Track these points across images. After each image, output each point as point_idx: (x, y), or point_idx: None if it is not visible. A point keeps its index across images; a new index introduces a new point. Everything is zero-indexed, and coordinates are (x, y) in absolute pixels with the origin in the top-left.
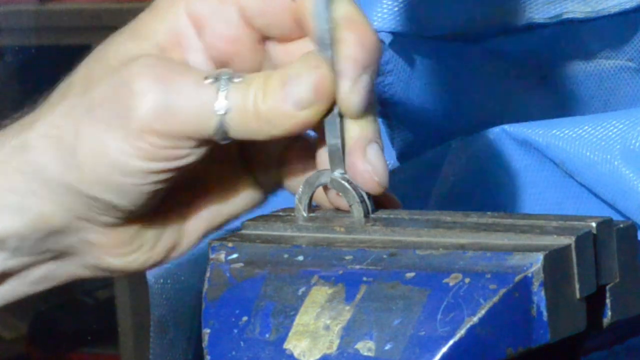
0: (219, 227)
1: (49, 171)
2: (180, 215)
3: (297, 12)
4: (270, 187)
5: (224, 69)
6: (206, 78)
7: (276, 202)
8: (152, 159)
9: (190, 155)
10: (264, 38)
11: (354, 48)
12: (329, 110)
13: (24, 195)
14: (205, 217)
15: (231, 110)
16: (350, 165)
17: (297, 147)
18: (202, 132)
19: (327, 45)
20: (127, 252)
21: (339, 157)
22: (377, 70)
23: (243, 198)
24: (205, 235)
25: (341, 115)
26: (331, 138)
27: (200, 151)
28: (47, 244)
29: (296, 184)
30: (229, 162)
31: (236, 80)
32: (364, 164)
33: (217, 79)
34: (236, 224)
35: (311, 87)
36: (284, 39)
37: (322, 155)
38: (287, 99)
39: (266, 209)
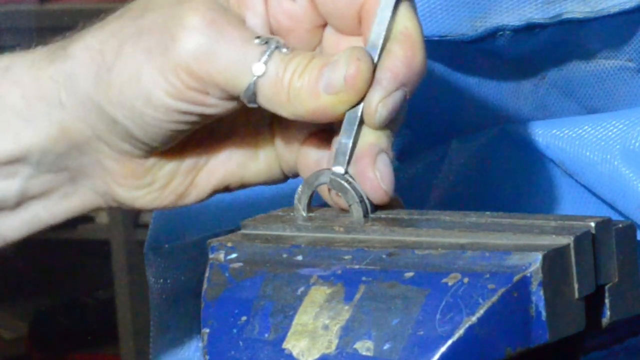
0: (229, 189)
1: (80, 83)
2: (197, 164)
3: (362, 8)
4: (289, 167)
5: (276, 36)
6: (256, 38)
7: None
8: (180, 98)
9: (216, 107)
10: (324, 24)
11: (399, 62)
12: (353, 106)
13: (51, 105)
14: (220, 174)
15: (266, 76)
16: (359, 171)
17: (318, 138)
18: (233, 87)
19: (377, 48)
20: (137, 186)
21: (344, 156)
22: (413, 92)
23: (260, 168)
24: (214, 191)
25: (362, 119)
26: (344, 137)
27: (227, 105)
28: (65, 161)
29: (307, 171)
30: (257, 129)
31: (283, 50)
32: (373, 171)
33: (266, 42)
34: (236, 224)
35: (344, 74)
36: (342, 30)
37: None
38: (319, 79)
39: (266, 208)
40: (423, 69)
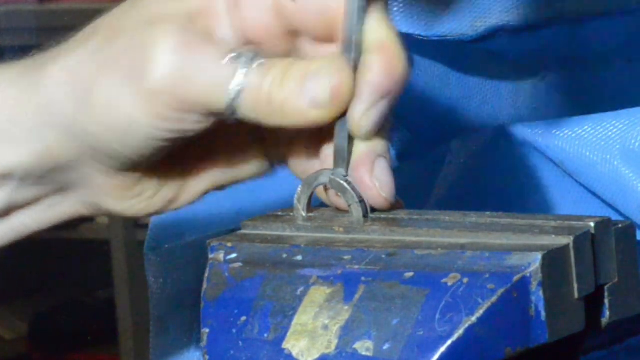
0: (220, 188)
1: (61, 107)
2: (184, 169)
3: (329, 17)
4: (278, 160)
5: (248, 47)
6: (228, 54)
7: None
8: (161, 119)
9: (199, 123)
10: (295, 32)
11: (377, 76)
12: (343, 114)
13: (34, 128)
14: (209, 176)
15: (245, 91)
16: (357, 179)
17: (308, 132)
18: (213, 106)
19: (352, 50)
20: (127, 197)
21: (343, 158)
22: (399, 96)
23: (249, 164)
24: (205, 193)
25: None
26: (339, 139)
27: (210, 121)
28: (52, 177)
29: (298, 167)
30: (240, 126)
31: (257, 61)
32: (371, 180)
33: (238, 56)
34: (236, 224)
35: (329, 89)
36: (316, 39)
37: (325, 150)
38: (303, 94)
39: (267, 208)
40: (404, 75)
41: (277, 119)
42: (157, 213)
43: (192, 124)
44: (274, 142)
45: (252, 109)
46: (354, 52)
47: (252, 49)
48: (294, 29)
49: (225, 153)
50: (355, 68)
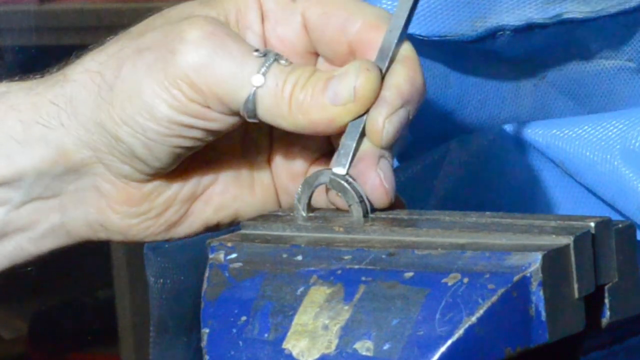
0: (221, 225)
1: (81, 105)
2: (194, 193)
3: (354, 39)
4: (288, 199)
5: (275, 50)
6: (255, 51)
7: None
8: (181, 111)
9: (217, 121)
10: (316, 53)
11: (402, 80)
12: (361, 115)
13: (51, 127)
14: (215, 205)
15: (266, 87)
16: (360, 171)
17: (321, 165)
18: (233, 99)
19: (385, 60)
20: (132, 213)
21: (346, 157)
22: (418, 109)
23: (256, 202)
24: (207, 225)
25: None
26: (348, 138)
27: (228, 120)
28: (61, 184)
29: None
30: (253, 161)
31: (283, 62)
32: (375, 171)
33: (265, 54)
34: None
35: (354, 86)
36: (333, 61)
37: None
38: (327, 90)
39: None
40: (424, 90)
41: (295, 118)
42: (156, 238)
43: (210, 121)
44: (288, 175)
45: (271, 107)
46: (386, 63)
47: (278, 52)
48: (315, 49)
49: (234, 185)
50: (382, 75)
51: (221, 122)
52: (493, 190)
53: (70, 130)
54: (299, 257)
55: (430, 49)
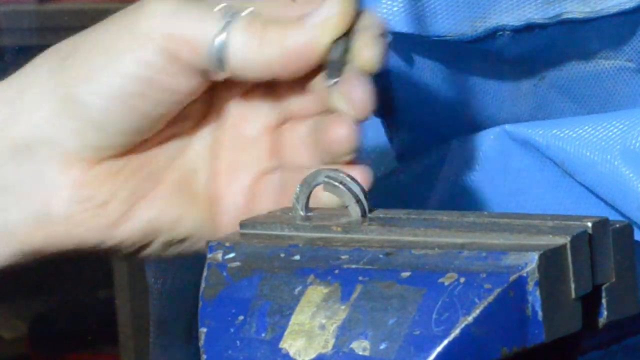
0: (154, 241)
1: (39, 79)
2: (135, 193)
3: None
4: (231, 217)
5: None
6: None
7: None
8: (151, 69)
9: (186, 83)
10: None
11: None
12: (337, 39)
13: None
14: (154, 213)
15: (234, 26)
16: (347, 80)
17: (268, 177)
18: (199, 53)
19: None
20: (76, 198)
21: (337, 70)
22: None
23: (196, 219)
24: (144, 233)
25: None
26: (335, 54)
27: (195, 80)
28: (3, 174)
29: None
30: (195, 175)
31: (248, 10)
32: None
33: (229, 8)
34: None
35: (336, 5)
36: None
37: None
38: (305, 18)
39: None
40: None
41: (267, 48)
42: (101, 235)
43: (180, 80)
44: (232, 186)
45: (240, 45)
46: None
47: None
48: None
49: (175, 195)
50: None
51: (190, 81)
52: (492, 191)
53: (41, 105)
54: (297, 257)
55: (430, 49)
